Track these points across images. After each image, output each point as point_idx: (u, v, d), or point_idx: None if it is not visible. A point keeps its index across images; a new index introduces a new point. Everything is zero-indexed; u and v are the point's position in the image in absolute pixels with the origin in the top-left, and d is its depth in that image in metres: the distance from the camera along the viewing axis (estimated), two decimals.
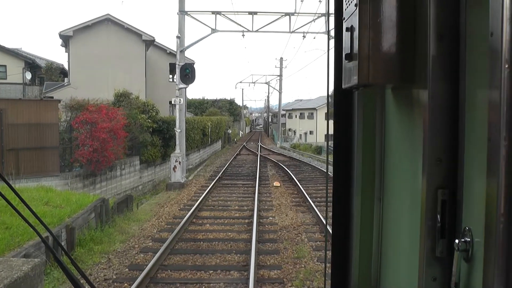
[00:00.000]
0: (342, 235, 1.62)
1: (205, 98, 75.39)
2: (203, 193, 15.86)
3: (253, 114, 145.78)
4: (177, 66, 19.16)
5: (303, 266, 8.29)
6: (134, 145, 21.94)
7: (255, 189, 16.85)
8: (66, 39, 27.39)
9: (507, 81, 0.83)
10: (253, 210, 12.93)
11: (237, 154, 35.74)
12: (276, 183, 18.64)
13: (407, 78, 1.21)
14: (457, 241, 1.00)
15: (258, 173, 21.65)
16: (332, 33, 1.56)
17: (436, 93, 1.08)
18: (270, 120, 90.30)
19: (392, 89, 1.41)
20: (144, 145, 22.30)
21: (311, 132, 65.85)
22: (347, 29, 1.28)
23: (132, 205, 13.97)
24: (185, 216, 12.11)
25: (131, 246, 9.57)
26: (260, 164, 26.72)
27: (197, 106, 66.38)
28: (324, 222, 10.90)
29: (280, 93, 57.46)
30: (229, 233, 10.64)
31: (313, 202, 13.85)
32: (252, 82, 62.73)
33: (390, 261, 1.46)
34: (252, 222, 11.37)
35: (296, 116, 76.44)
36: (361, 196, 1.54)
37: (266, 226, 11.51)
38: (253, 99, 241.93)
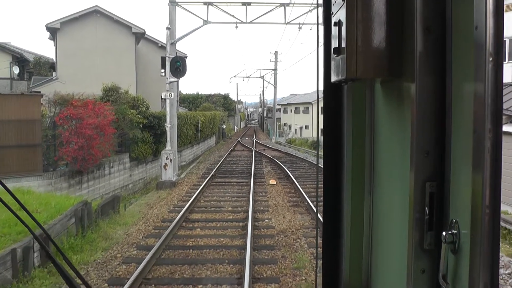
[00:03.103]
0: (333, 229, 1.62)
1: (200, 93, 74.52)
2: (195, 193, 15.01)
3: (248, 109, 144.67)
4: (167, 59, 18.25)
5: (303, 278, 7.45)
6: (124, 141, 21.04)
7: (250, 188, 16.03)
8: (53, 32, 26.31)
9: (491, 74, 0.84)
10: (247, 212, 12.11)
11: (231, 150, 34.89)
12: (272, 181, 17.82)
13: (395, 72, 1.21)
14: (444, 233, 1.00)
15: (253, 170, 20.83)
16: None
17: (424, 87, 1.08)
18: (265, 115, 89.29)
19: (381, 82, 1.42)
20: (135, 141, 21.36)
21: (306, 127, 64.82)
22: (335, 24, 1.28)
23: (119, 207, 13.10)
24: (174, 219, 11.26)
25: (113, 255, 8.69)
26: (255, 160, 25.89)
27: (191, 101, 65.40)
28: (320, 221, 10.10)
29: (275, 87, 56.56)
30: (222, 239, 9.79)
31: (311, 202, 13.03)
32: (247, 77, 61.69)
33: (380, 254, 1.46)
34: (246, 226, 10.55)
35: (291, 110, 75.40)
36: (352, 190, 1.54)
37: (262, 230, 10.66)
38: (247, 94, 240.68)
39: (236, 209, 12.94)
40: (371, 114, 1.50)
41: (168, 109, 18.62)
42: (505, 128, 13.21)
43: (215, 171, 20.87)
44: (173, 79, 18.30)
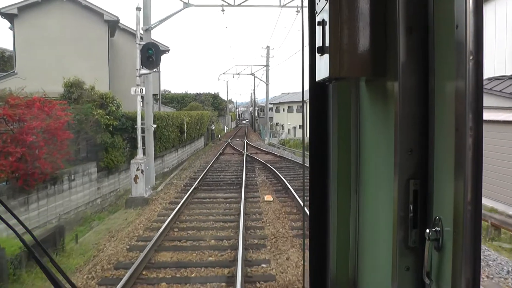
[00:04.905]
0: (319, 228, 1.62)
1: (188, 92, 71.52)
2: (169, 215, 11.60)
3: (239, 109, 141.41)
4: (137, 46, 14.81)
5: None
6: (90, 148, 17.59)
7: (240, 207, 12.67)
8: (10, 19, 22.61)
9: (472, 73, 0.86)
10: (236, 248, 8.75)
11: (220, 154, 31.41)
12: (268, 197, 14.38)
13: (379, 71, 1.22)
14: (428, 230, 1.02)
15: (244, 180, 17.50)
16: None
17: (407, 85, 1.09)
18: (256, 114, 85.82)
19: (366, 81, 1.42)
20: (103, 147, 17.87)
21: (300, 126, 61.63)
22: (318, 23, 1.29)
23: (63, 241, 9.64)
24: (133, 263, 7.84)
25: None
26: (246, 166, 22.46)
27: (180, 101, 62.07)
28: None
29: (267, 84, 52.98)
30: None
31: None
32: (237, 74, 57.77)
33: (366, 252, 1.47)
34: (235, 278, 7.17)
35: (283, 109, 72.10)
36: (338, 188, 1.56)
37: (258, 285, 7.25)
38: (238, 93, 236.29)
39: (220, 244, 9.50)
40: (356, 113, 1.50)
41: (139, 108, 15.16)
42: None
43: (198, 182, 17.42)
44: (144, 71, 14.86)
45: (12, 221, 1.44)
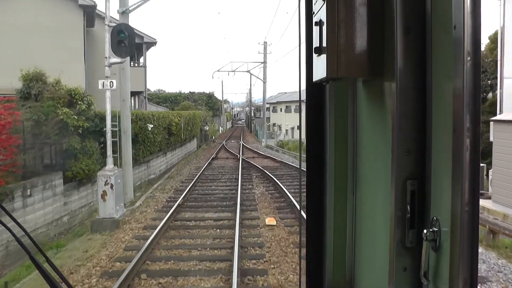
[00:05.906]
0: (316, 228, 1.59)
1: (182, 91, 69.02)
2: (139, 250, 8.56)
3: (235, 109, 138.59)
4: (106, 28, 11.78)
5: None
6: (55, 155, 14.61)
7: (234, 234, 9.68)
8: None
9: (469, 73, 0.85)
10: None
11: (213, 158, 28.36)
12: (270, 220, 11.31)
13: (376, 71, 1.19)
14: (425, 231, 1.00)
15: (239, 194, 14.55)
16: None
17: (404, 86, 1.07)
18: (252, 114, 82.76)
19: (363, 82, 1.40)
20: (72, 154, 14.81)
21: (298, 127, 58.68)
22: (316, 23, 1.27)
23: None
24: None
25: None
26: (242, 175, 19.48)
27: (173, 100, 59.35)
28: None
29: (264, 82, 49.84)
30: None
31: None
32: (232, 71, 54.51)
33: (363, 253, 1.44)
34: None
35: (281, 109, 69.16)
36: (335, 189, 1.52)
37: None
38: (234, 92, 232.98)
39: None
40: (353, 113, 1.48)
41: (108, 105, 12.10)
42: None
43: (184, 196, 14.38)
44: (115, 59, 11.83)
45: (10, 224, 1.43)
